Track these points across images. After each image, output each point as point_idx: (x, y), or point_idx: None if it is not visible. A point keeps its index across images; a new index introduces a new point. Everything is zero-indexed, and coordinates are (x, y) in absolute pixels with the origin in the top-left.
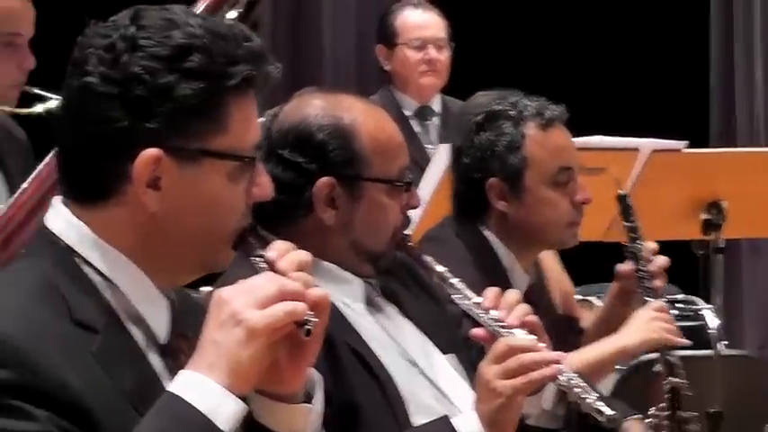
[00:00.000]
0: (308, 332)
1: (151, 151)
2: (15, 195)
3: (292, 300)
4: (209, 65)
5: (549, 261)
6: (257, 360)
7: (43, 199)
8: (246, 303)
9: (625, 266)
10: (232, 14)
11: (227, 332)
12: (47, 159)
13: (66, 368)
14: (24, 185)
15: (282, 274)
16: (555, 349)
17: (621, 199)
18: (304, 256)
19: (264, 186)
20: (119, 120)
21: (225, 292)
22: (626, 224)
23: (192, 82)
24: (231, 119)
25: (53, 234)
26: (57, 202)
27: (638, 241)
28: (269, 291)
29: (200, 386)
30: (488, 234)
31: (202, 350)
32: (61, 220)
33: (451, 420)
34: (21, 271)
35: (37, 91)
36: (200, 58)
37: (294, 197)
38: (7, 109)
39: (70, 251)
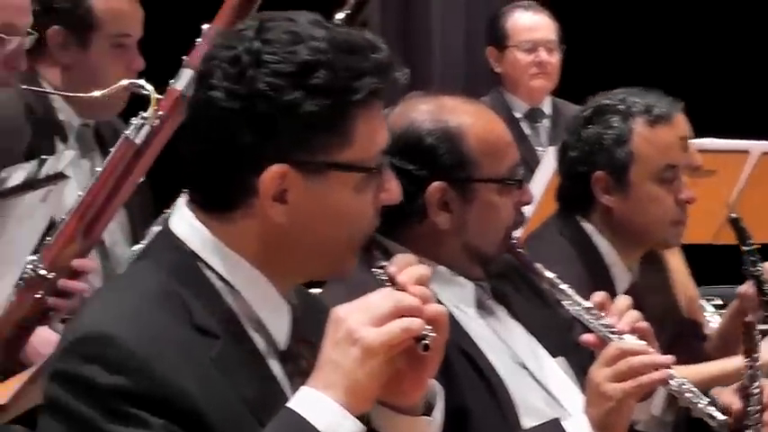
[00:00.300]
0: (426, 347)
1: (277, 167)
2: (91, 181)
3: (409, 315)
4: (334, 81)
5: (676, 262)
6: (375, 378)
7: (118, 185)
8: (362, 321)
9: (747, 289)
10: (340, 15)
11: (344, 351)
12: (118, 144)
13: (183, 374)
14: (98, 171)
15: (402, 288)
16: (678, 353)
17: (734, 222)
18: (423, 270)
19: (393, 191)
20: (243, 135)
21: (341, 311)
22: (744, 248)
23: (318, 99)
24: (357, 131)
25: (177, 237)
26: (181, 204)
27: (758, 265)
28: (384, 308)
29: (319, 404)
30: (591, 229)
31: (321, 369)
32: (185, 223)
33: (562, 423)
34: (140, 274)
35: (128, 81)
36: (325, 74)
37: (407, 204)
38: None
39: (193, 255)
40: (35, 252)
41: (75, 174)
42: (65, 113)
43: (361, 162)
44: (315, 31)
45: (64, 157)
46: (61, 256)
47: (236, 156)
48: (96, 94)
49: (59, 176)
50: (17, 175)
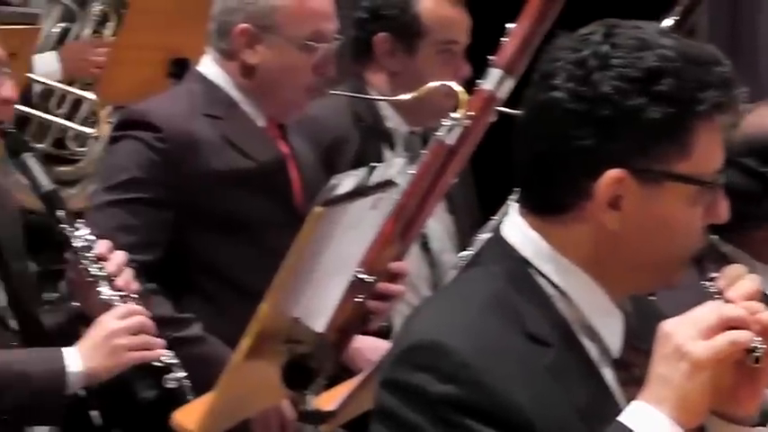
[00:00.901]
0: (757, 359)
1: (615, 171)
2: (405, 184)
3: (737, 328)
4: (679, 90)
5: None
6: (704, 392)
7: (431, 187)
8: (689, 335)
9: None
10: (669, 21)
11: (673, 366)
12: (430, 146)
13: (516, 384)
14: (412, 173)
15: (730, 302)
16: None
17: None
18: (754, 283)
19: (722, 211)
20: (584, 138)
21: (668, 325)
22: None
23: (662, 106)
24: (696, 144)
25: (508, 244)
26: (513, 211)
27: None
28: (711, 321)
29: (650, 419)
30: None
31: (651, 383)
32: (517, 230)
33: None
34: (474, 282)
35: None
36: (670, 82)
37: (751, 206)
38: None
39: (525, 262)
40: None
41: (403, 181)
42: (393, 121)
43: (699, 176)
44: (662, 39)
45: (394, 165)
46: (379, 259)
47: (575, 158)
48: (406, 96)
49: (389, 184)
50: (347, 182)
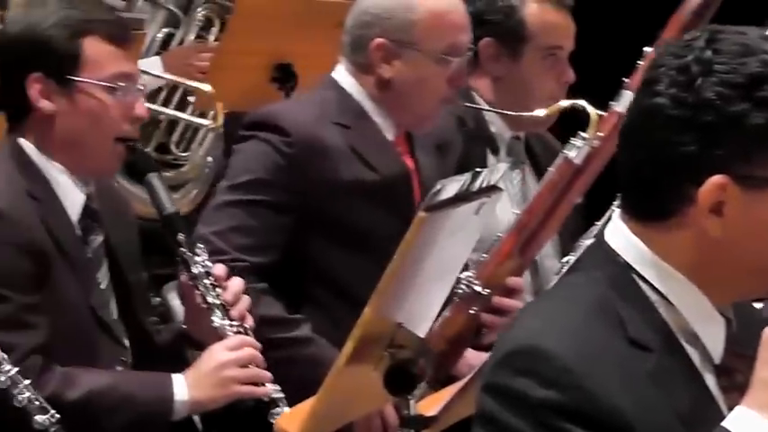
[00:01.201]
0: None
1: (718, 178)
2: (529, 200)
3: None
4: None
5: None
6: None
7: (555, 204)
8: None
9: None
10: None
11: None
12: (556, 164)
13: (619, 390)
14: (537, 190)
15: None
16: None
17: None
18: None
19: None
20: (687, 144)
21: None
22: None
23: (764, 112)
24: None
25: (611, 249)
26: (616, 216)
27: None
28: None
29: (754, 425)
30: None
31: (753, 389)
32: (619, 235)
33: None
34: (576, 287)
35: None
36: None
37: None
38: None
39: (627, 267)
40: (467, 267)
41: (505, 186)
42: (496, 126)
43: None
44: (765, 44)
45: (497, 170)
46: (496, 273)
47: (678, 164)
48: (540, 113)
49: (493, 189)
50: (451, 187)
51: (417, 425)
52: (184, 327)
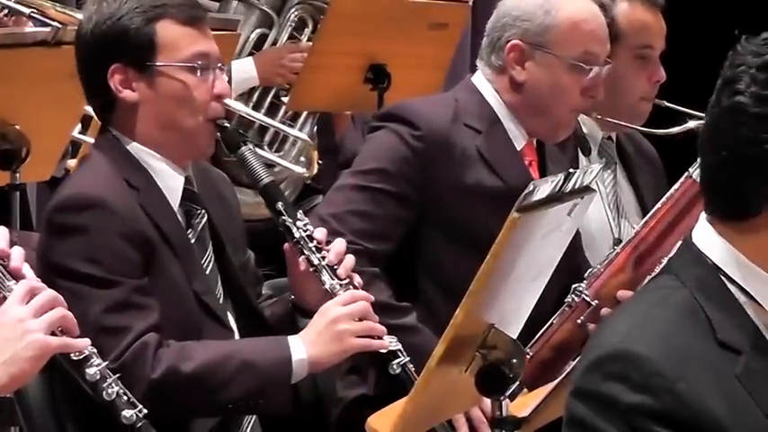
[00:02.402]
0: None
1: None
2: (648, 215)
3: None
4: None
5: None
6: None
7: (675, 222)
8: None
9: None
10: None
11: None
12: (680, 181)
13: (709, 393)
14: (657, 206)
15: None
16: None
17: None
18: None
19: None
20: None
21: None
22: None
23: None
24: None
25: (698, 250)
26: (702, 218)
27: None
28: None
29: None
30: None
31: None
32: (706, 236)
33: None
34: (664, 290)
35: (667, 104)
36: None
37: None
38: (643, 129)
39: (715, 268)
40: (582, 278)
41: (597, 187)
42: (588, 126)
43: None
44: None
45: (591, 171)
46: (608, 285)
47: (761, 162)
48: (675, 130)
49: (586, 190)
50: (543, 187)
51: (509, 426)
52: (293, 298)
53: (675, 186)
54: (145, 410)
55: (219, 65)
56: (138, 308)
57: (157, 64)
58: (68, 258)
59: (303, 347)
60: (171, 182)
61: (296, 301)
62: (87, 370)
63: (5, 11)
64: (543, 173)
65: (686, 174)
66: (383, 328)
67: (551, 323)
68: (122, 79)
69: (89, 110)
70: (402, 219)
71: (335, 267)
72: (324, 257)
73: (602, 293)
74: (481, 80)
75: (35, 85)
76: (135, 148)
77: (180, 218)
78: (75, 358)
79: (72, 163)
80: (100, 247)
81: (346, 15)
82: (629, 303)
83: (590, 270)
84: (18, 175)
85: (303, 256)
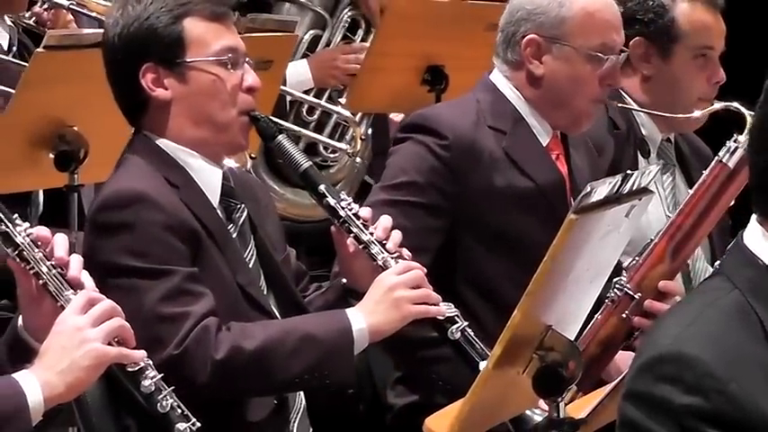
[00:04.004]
0: None
1: None
2: (682, 203)
3: None
4: None
5: None
6: None
7: (709, 207)
8: None
9: None
10: None
11: None
12: (711, 166)
13: (761, 392)
14: (690, 193)
15: None
16: None
17: None
18: None
19: None
20: None
21: None
22: None
23: None
24: None
25: (750, 252)
26: (753, 219)
27: None
28: None
29: None
30: None
31: None
32: (756, 237)
33: None
34: (715, 291)
35: (723, 105)
36: None
37: None
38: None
39: (766, 270)
40: (620, 271)
41: (656, 189)
42: (647, 128)
43: None
44: None
45: (649, 173)
46: (649, 276)
47: None
48: (696, 114)
49: (644, 192)
50: (601, 189)
51: (568, 428)
52: (344, 282)
53: (706, 172)
54: (198, 424)
55: (247, 59)
56: (194, 294)
57: (188, 60)
58: (116, 255)
59: (362, 317)
60: (209, 177)
61: (347, 284)
62: (143, 382)
63: (45, 4)
64: (569, 163)
65: (716, 158)
66: (438, 296)
67: (595, 319)
68: (154, 78)
69: None
70: (436, 229)
71: (384, 242)
72: (372, 234)
73: (643, 285)
74: (499, 77)
75: (93, 86)
76: (170, 146)
77: (220, 213)
78: (130, 370)
79: None
80: (147, 241)
81: (404, 17)
82: (681, 305)
83: (628, 262)
84: (76, 176)
85: (351, 235)
